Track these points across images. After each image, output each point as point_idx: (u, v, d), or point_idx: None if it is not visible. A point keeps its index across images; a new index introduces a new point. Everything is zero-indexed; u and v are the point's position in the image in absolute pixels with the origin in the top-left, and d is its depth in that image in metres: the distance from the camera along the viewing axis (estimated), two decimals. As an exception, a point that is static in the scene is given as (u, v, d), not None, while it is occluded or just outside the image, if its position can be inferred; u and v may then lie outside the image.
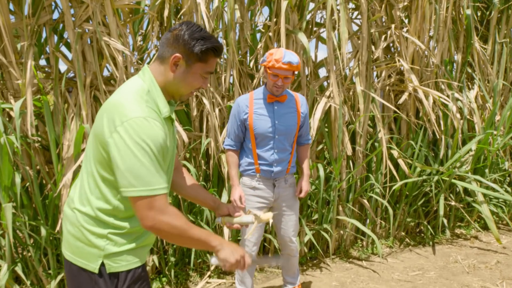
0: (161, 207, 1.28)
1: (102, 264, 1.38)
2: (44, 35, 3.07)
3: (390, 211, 3.74)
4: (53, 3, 3.06)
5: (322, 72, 18.17)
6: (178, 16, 3.13)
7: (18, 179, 2.73)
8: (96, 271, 1.37)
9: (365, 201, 3.83)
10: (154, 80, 1.37)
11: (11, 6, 3.04)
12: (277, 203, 2.61)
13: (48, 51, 3.06)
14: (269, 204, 2.59)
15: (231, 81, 3.36)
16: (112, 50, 2.86)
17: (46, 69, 3.17)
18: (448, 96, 4.12)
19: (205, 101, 3.10)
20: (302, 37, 3.16)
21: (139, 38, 3.51)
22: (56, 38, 3.09)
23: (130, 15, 3.29)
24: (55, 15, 8.58)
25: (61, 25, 3.09)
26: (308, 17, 3.52)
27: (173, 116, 1.46)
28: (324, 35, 3.94)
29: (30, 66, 2.74)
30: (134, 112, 1.25)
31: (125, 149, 1.23)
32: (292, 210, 2.63)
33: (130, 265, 1.41)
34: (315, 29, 3.74)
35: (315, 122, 3.27)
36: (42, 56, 3.21)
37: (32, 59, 2.83)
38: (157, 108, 1.33)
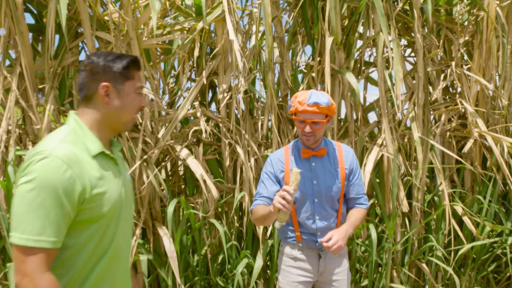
0: (36, 265, 1.06)
1: None
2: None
3: (456, 280, 3.14)
4: (80, 44, 2.88)
5: (372, 116, 16.99)
6: (211, 56, 2.84)
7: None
8: None
9: (424, 265, 3.26)
10: (79, 121, 1.23)
11: (39, 47, 2.90)
12: (324, 276, 2.13)
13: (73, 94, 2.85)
14: (313, 278, 2.13)
15: (269, 126, 3.00)
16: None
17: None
18: (520, 143, 3.54)
19: (239, 150, 2.74)
20: (350, 77, 2.78)
21: (171, 80, 3.25)
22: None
23: (161, 56, 3.06)
24: (82, 56, 8.71)
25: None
26: (356, 55, 3.15)
27: (116, 155, 1.32)
28: (373, 75, 3.55)
29: (47, 110, 2.51)
30: (37, 150, 1.12)
31: (17, 190, 1.09)
32: (342, 286, 2.15)
33: None
34: (363, 68, 3.36)
35: (365, 175, 2.82)
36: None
37: (53, 103, 2.61)
38: (83, 146, 1.19)
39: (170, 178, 3.03)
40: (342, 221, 2.10)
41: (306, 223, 2.04)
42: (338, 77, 2.94)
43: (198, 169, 2.57)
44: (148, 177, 2.62)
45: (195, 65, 2.96)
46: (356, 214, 2.06)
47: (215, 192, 2.59)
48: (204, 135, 2.65)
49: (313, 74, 2.91)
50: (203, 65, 2.86)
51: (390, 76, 3.28)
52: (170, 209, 2.51)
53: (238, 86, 2.75)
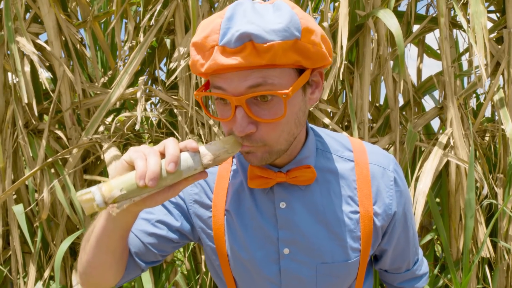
0: None
1: None
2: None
3: None
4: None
5: (430, 102, 14.71)
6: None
7: None
8: None
9: None
10: None
11: None
12: None
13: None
14: None
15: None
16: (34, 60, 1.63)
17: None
18: None
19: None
20: (387, 17, 1.57)
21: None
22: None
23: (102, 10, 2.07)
24: None
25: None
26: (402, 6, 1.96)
27: None
28: (432, 42, 2.28)
29: None
30: None
31: None
32: None
33: None
34: (415, 28, 2.15)
35: (418, 195, 1.64)
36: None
37: None
38: None
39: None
40: None
41: None
42: (368, 27, 1.75)
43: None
44: (50, 187, 1.63)
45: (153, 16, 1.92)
46: None
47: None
48: (137, 126, 1.60)
49: (325, 24, 1.74)
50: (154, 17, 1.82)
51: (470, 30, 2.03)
52: (64, 245, 1.49)
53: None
